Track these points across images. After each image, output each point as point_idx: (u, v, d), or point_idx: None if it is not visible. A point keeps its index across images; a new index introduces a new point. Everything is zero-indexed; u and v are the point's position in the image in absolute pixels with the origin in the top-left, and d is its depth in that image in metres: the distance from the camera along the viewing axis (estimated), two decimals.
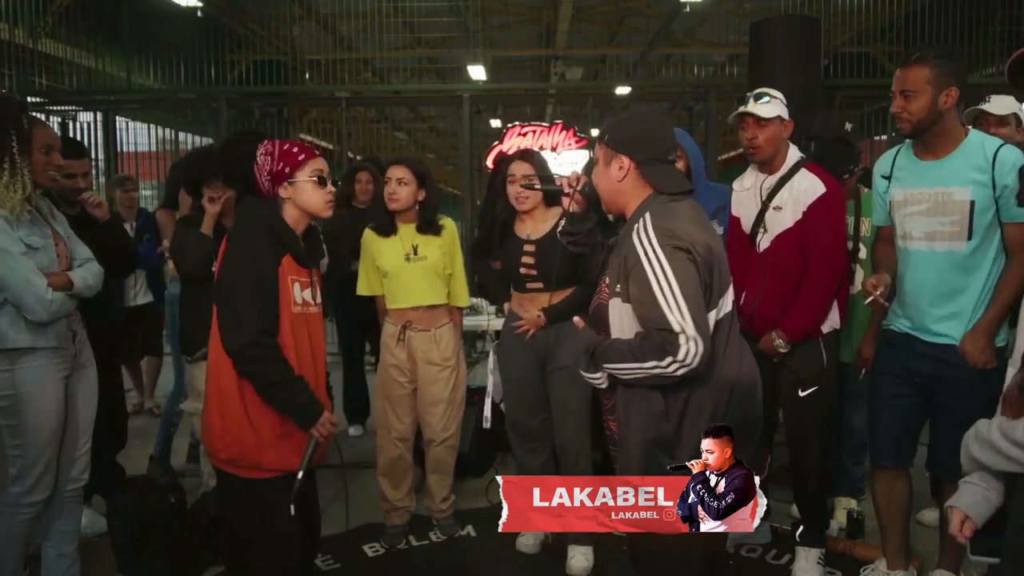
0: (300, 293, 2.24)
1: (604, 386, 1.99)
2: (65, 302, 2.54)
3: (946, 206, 2.48)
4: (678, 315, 1.80)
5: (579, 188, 2.26)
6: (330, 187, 2.30)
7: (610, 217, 2.75)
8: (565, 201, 2.33)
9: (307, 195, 2.25)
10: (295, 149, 2.27)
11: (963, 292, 2.50)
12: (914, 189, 2.56)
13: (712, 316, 1.91)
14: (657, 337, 1.82)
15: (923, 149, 2.56)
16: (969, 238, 2.46)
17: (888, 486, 2.76)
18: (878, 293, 2.42)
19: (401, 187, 3.23)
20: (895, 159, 2.66)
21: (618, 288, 1.94)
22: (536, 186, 2.80)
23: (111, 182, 5.73)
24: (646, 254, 1.84)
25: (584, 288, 2.88)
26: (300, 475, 2.18)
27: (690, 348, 1.79)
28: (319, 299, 2.35)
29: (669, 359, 1.81)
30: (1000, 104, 3.17)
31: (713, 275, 1.91)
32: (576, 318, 2.18)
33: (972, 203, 2.43)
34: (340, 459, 2.89)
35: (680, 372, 1.82)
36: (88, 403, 2.73)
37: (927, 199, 2.52)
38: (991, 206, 2.43)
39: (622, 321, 1.96)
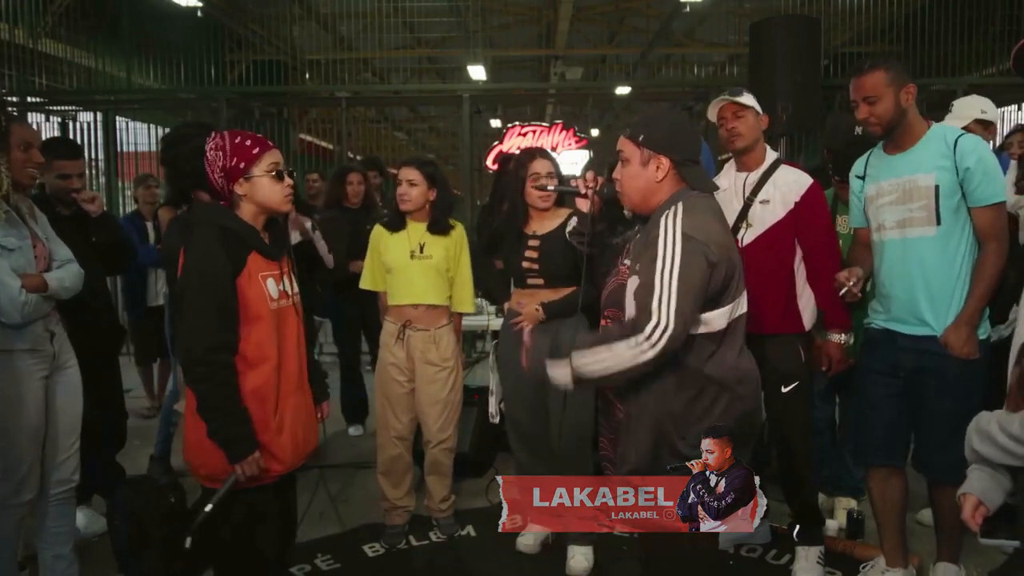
0: (275, 287, 2.18)
1: (568, 385, 1.95)
2: (40, 304, 2.51)
3: (913, 192, 2.54)
4: (665, 304, 1.82)
5: (597, 189, 2.26)
6: (288, 180, 2.19)
7: (627, 214, 2.78)
8: (581, 202, 2.32)
9: (264, 191, 2.15)
10: (248, 142, 2.15)
11: (939, 279, 2.53)
12: (884, 181, 2.63)
13: (727, 311, 1.94)
14: (628, 323, 1.87)
15: (892, 145, 2.64)
16: (938, 223, 2.51)
17: (881, 484, 2.76)
18: (851, 284, 2.57)
19: (412, 188, 3.24)
20: (868, 159, 2.75)
21: (638, 267, 1.96)
22: (549, 188, 2.78)
23: (135, 180, 5.74)
24: (665, 236, 1.87)
25: (585, 287, 2.88)
26: (209, 507, 2.10)
27: (658, 331, 1.81)
28: (295, 288, 2.28)
29: (636, 338, 1.83)
30: (957, 114, 3.24)
31: (734, 276, 1.94)
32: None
33: (937, 187, 2.50)
34: (317, 462, 2.87)
35: (648, 353, 1.82)
36: (71, 403, 2.70)
37: (896, 188, 2.59)
38: (956, 191, 2.49)
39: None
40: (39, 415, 2.56)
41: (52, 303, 2.60)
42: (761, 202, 2.88)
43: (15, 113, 2.77)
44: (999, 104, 7.12)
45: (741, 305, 2.00)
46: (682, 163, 1.99)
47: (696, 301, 1.87)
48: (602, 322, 2.11)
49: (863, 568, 2.93)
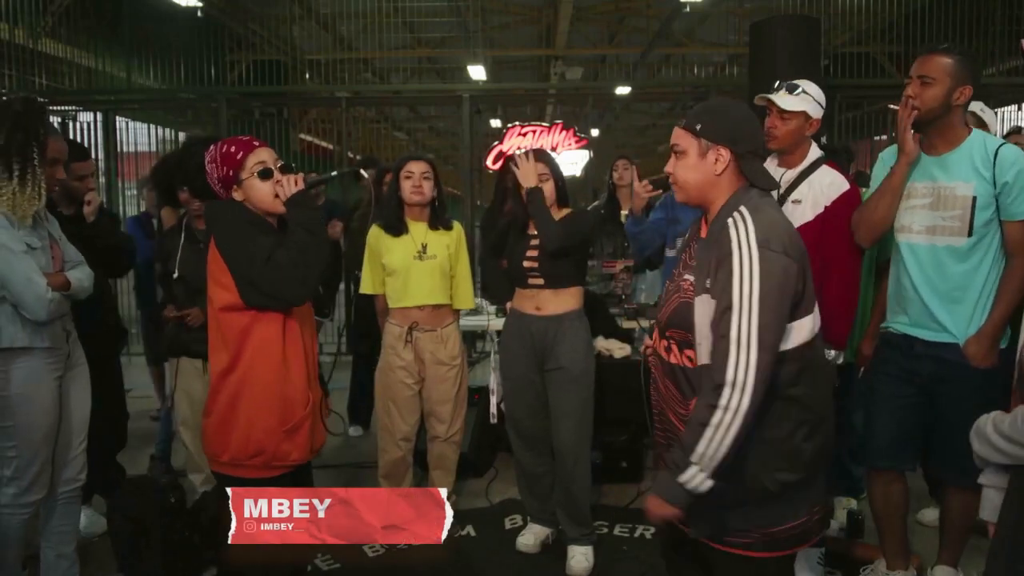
0: None
1: (709, 484, 1.75)
2: (62, 302, 2.56)
3: (948, 201, 2.50)
4: (743, 360, 1.69)
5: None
6: (277, 177, 2.16)
7: (622, 215, 2.76)
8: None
9: (256, 192, 2.14)
10: (232, 148, 2.16)
11: (963, 288, 2.51)
12: (917, 183, 2.57)
13: (809, 321, 1.82)
14: (707, 392, 1.74)
15: (927, 144, 2.57)
16: (969, 234, 2.47)
17: (883, 488, 2.75)
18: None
19: (426, 182, 3.24)
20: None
21: (707, 283, 1.79)
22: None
23: (140, 181, 5.74)
24: (739, 248, 1.74)
25: (579, 214, 3.06)
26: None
27: (732, 398, 1.70)
28: None
29: (716, 412, 1.71)
30: None
31: (806, 279, 1.82)
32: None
33: (974, 199, 2.45)
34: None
35: (728, 419, 1.70)
36: (81, 402, 2.73)
37: (930, 193, 2.54)
38: (991, 203, 2.45)
39: (711, 319, 1.78)
40: (54, 415, 2.59)
41: (70, 302, 2.64)
42: (793, 202, 2.74)
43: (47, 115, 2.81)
44: (998, 104, 7.11)
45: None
46: (743, 156, 1.85)
47: (782, 322, 1.74)
48: (662, 343, 1.93)
49: (864, 571, 2.93)
